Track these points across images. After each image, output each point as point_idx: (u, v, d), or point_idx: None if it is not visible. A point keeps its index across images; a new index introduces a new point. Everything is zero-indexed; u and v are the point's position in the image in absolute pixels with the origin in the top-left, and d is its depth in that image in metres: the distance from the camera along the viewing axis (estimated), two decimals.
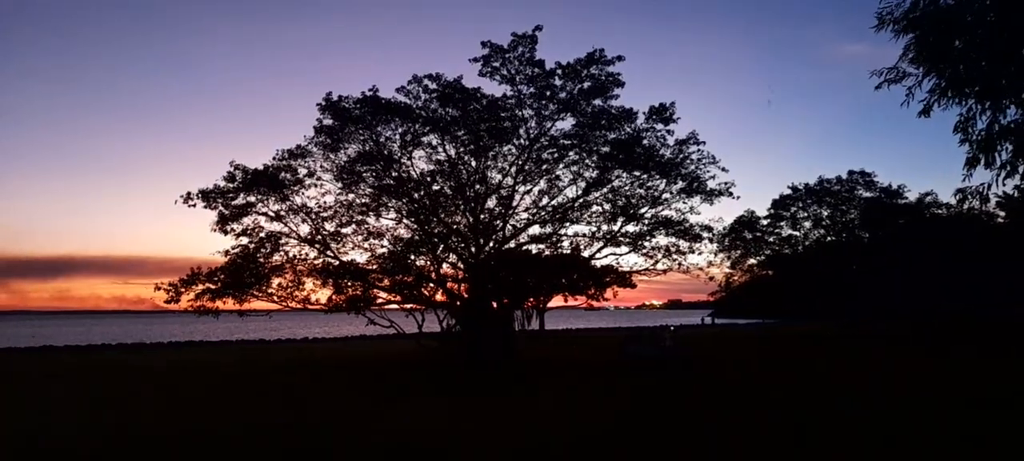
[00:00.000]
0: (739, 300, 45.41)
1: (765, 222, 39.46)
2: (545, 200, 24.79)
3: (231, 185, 22.68)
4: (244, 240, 23.32)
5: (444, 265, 25.23)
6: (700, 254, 27.04)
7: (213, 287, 22.79)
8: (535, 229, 25.12)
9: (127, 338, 44.55)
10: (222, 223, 23.07)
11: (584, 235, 25.52)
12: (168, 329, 54.87)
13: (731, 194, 25.27)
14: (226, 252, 23.15)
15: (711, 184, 24.94)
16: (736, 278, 41.44)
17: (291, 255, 23.97)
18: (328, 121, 22.51)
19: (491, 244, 24.86)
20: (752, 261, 40.43)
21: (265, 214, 23.45)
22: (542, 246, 25.29)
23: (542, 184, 24.57)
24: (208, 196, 22.59)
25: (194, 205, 22.94)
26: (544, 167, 24.20)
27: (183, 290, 22.82)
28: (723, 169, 24.99)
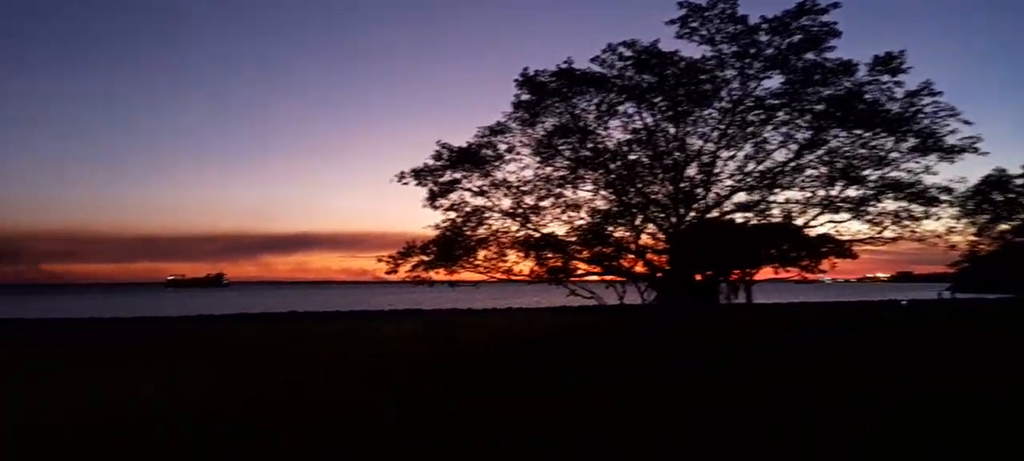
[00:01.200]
0: (986, 272, 39.45)
1: (1021, 182, 33.72)
2: (751, 165, 23.26)
3: (438, 163, 24.06)
4: (452, 214, 24.63)
5: (643, 236, 24.80)
6: (937, 220, 23.67)
7: (426, 259, 24.48)
8: (740, 196, 23.70)
9: (357, 306, 49.48)
10: (432, 199, 24.60)
11: (796, 202, 23.59)
12: (386, 298, 60.14)
13: (976, 150, 21.94)
14: (436, 226, 24.59)
15: (950, 140, 21.81)
16: (983, 246, 36.00)
17: (494, 228, 24.93)
18: (525, 96, 22.97)
19: (692, 214, 23.94)
20: (1004, 227, 34.86)
21: (470, 189, 24.58)
22: (749, 214, 23.83)
23: (748, 148, 23.07)
24: (419, 174, 24.19)
25: (407, 183, 24.72)
26: (749, 130, 22.69)
27: (401, 262, 24.80)
28: (966, 122, 21.64)
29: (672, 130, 22.95)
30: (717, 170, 23.38)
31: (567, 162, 24.00)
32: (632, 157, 23.71)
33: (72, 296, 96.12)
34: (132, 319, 35.46)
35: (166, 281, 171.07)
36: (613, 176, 23.91)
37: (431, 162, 24.13)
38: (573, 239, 24.68)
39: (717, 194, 23.86)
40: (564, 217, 24.77)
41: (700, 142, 23.12)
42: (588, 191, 24.57)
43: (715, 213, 24.18)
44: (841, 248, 24.03)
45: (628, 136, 23.37)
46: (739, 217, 24.23)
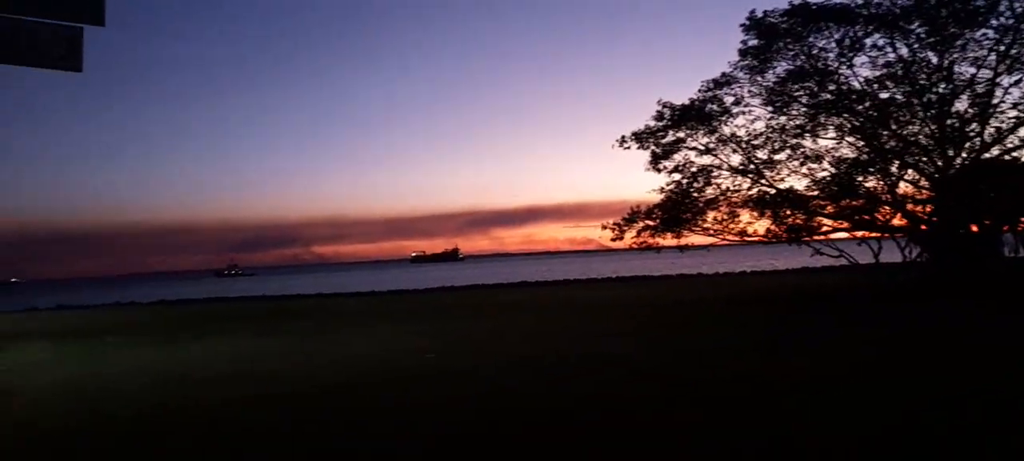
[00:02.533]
0: None
1: None
2: None
3: (660, 123, 23.21)
4: (677, 176, 23.68)
5: (901, 184, 21.84)
6: None
7: (652, 224, 23.86)
8: None
9: (584, 274, 50.21)
10: (654, 162, 23.82)
11: None
12: (610, 266, 60.21)
13: None
14: (661, 190, 23.82)
15: None
16: None
17: (724, 187, 23.56)
18: (753, 41, 21.22)
19: (963, 155, 20.54)
20: None
21: (695, 148, 23.42)
22: None
23: None
24: (640, 137, 23.55)
25: (628, 147, 24.22)
26: None
27: (626, 228, 24.45)
28: None
29: (934, 59, 19.75)
30: (995, 101, 19.71)
31: (804, 109, 21.79)
32: (884, 96, 20.86)
33: (341, 273, 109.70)
34: (396, 291, 39.35)
35: (410, 257, 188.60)
36: (861, 120, 21.26)
37: (652, 123, 23.38)
38: (815, 193, 22.47)
39: (996, 129, 20.17)
40: (803, 170, 22.61)
41: (972, 70, 19.63)
42: (831, 139, 22.16)
43: (995, 152, 20.53)
44: None
45: (879, 72, 20.60)
46: None
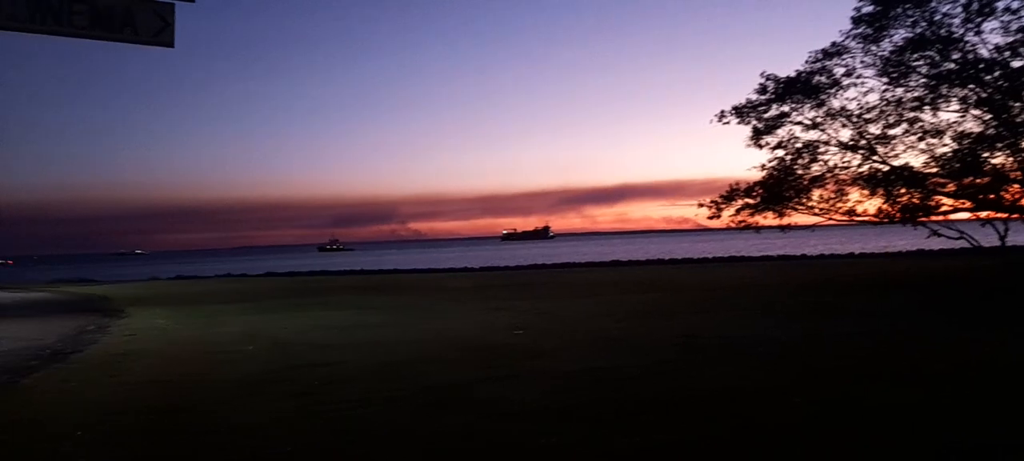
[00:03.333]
0: None
1: None
2: None
3: (763, 97, 22.22)
4: (780, 153, 22.65)
5: None
6: None
7: (751, 202, 22.97)
8: None
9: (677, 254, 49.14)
10: (756, 137, 22.86)
11: None
12: (706, 246, 58.52)
13: None
14: (762, 166, 22.86)
15: None
16: None
17: (831, 164, 22.34)
18: (867, 8, 19.84)
19: None
20: None
21: (800, 123, 22.30)
22: None
23: None
24: (741, 111, 22.63)
25: (727, 123, 23.34)
26: None
27: (724, 207, 23.63)
28: None
29: None
30: None
31: (924, 80, 20.25)
32: (1017, 64, 19.06)
33: (434, 250, 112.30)
34: (487, 268, 39.88)
35: (502, 235, 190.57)
36: (989, 91, 19.56)
37: (755, 97, 22.39)
38: (934, 170, 20.94)
39: None
40: (921, 145, 21.10)
41: None
42: (953, 112, 20.51)
43: None
44: None
45: (1011, 38, 18.78)
46: None
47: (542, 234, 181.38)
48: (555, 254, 61.73)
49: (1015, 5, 18.28)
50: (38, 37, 4.15)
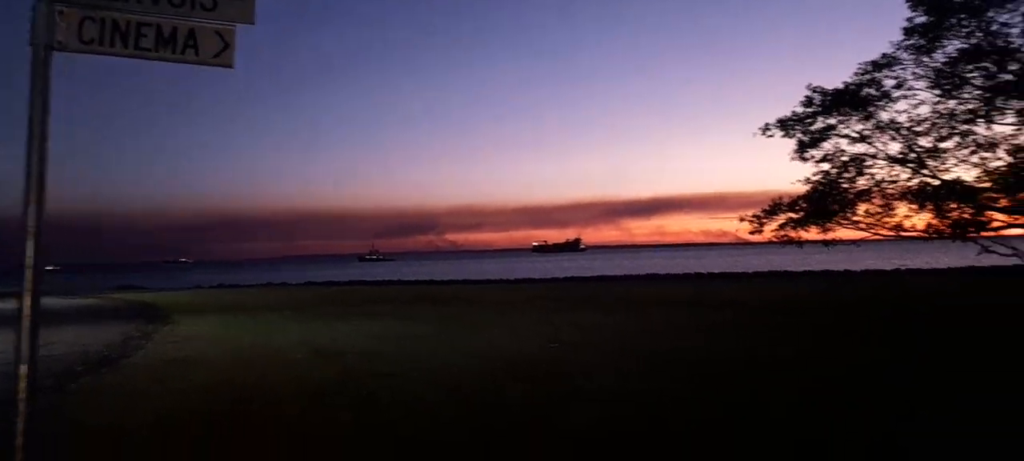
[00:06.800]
0: None
1: None
2: None
3: (809, 110, 21.79)
4: (825, 166, 22.17)
5: None
6: None
7: (795, 216, 22.52)
8: None
9: (715, 267, 48.45)
10: (801, 151, 22.42)
11: None
12: (748, 261, 57.56)
13: None
14: (807, 180, 22.40)
15: None
16: None
17: (878, 178, 21.79)
18: (920, 18, 19.34)
19: None
20: None
21: (847, 136, 21.81)
22: None
23: None
24: (786, 124, 22.22)
25: (771, 136, 22.93)
26: None
27: (766, 221, 23.21)
28: None
29: None
30: None
31: (979, 92, 19.63)
32: None
33: (469, 261, 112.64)
34: (519, 279, 39.81)
35: (532, 247, 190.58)
36: None
37: (800, 109, 21.93)
38: (987, 185, 20.28)
39: None
40: (974, 159, 20.42)
41: None
42: (1009, 124, 19.79)
43: None
44: None
45: None
46: None
47: (573, 246, 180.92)
48: (587, 267, 61.31)
49: None
50: (102, 59, 4.35)
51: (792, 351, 10.34)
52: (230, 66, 5.05)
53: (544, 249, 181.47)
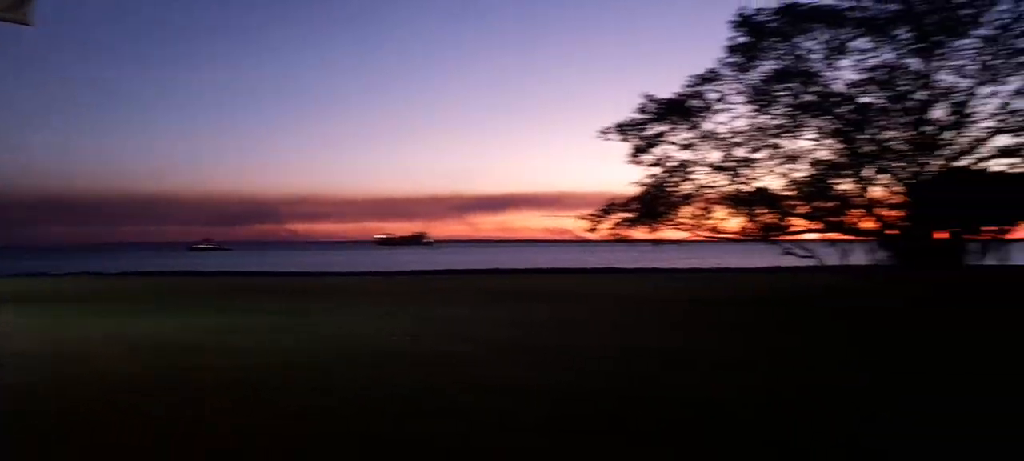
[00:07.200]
0: None
1: None
2: (1020, 103, 19.62)
3: (643, 116, 23.21)
4: (655, 170, 23.73)
5: (873, 188, 22.16)
6: None
7: (628, 216, 23.92)
8: (1003, 139, 20.18)
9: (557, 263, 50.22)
10: (635, 155, 23.84)
11: None
12: (579, 257, 60.31)
13: None
14: (639, 183, 23.85)
15: None
16: None
17: (700, 183, 23.67)
18: (741, 38, 21.26)
19: (936, 162, 20.91)
20: None
21: (675, 143, 23.47)
22: (1014, 160, 20.24)
23: (1017, 82, 19.43)
24: (623, 129, 23.53)
25: (611, 139, 24.16)
26: (1019, 61, 19.07)
27: (602, 220, 24.45)
28: None
29: (917, 66, 19.99)
30: (972, 110, 20.06)
31: (786, 109, 21.94)
32: (864, 100, 21.09)
33: (309, 253, 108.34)
34: (362, 273, 38.79)
35: (376, 239, 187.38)
36: (840, 123, 21.49)
37: (636, 116, 23.37)
38: (791, 193, 22.72)
39: (972, 138, 20.54)
40: (780, 170, 22.81)
41: (952, 78, 19.93)
42: (810, 140, 22.35)
43: (967, 160, 20.90)
44: None
45: (861, 76, 20.79)
46: (998, 164, 20.73)
47: (418, 240, 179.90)
48: (434, 261, 61.24)
49: (866, 47, 20.19)
50: None
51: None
52: (28, 23, 4.39)
53: (389, 242, 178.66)
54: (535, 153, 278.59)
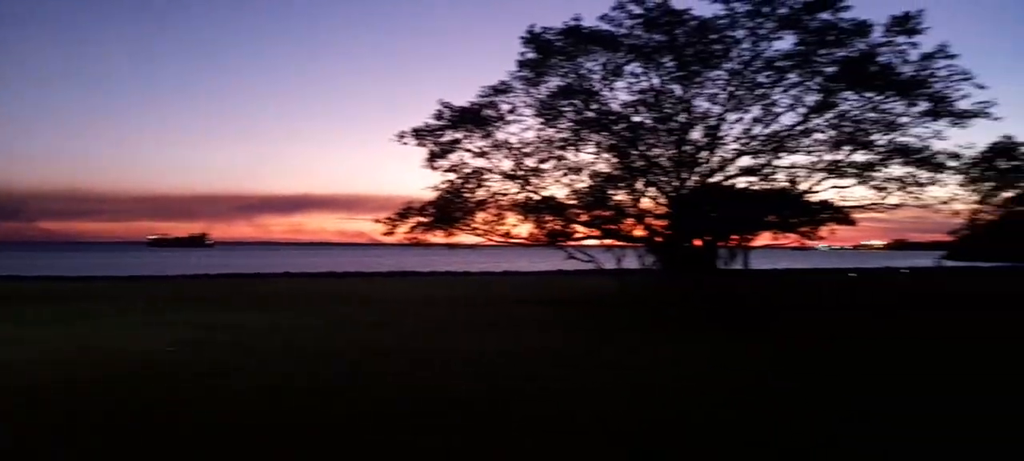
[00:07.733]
0: (984, 241, 39.41)
1: None
2: (758, 129, 22.79)
3: (439, 123, 23.49)
4: (451, 176, 24.14)
5: (644, 200, 24.44)
6: (942, 186, 23.42)
7: (424, 221, 24.07)
8: (745, 160, 23.32)
9: (353, 267, 49.07)
10: (431, 160, 24.06)
11: (802, 166, 23.23)
12: (380, 261, 59.68)
13: (988, 115, 21.52)
14: (436, 187, 24.12)
15: (962, 104, 21.36)
16: (984, 214, 35.91)
17: (493, 190, 24.47)
18: (530, 55, 22.32)
19: (694, 178, 23.59)
20: (1007, 195, 34.70)
21: (470, 150, 24.04)
22: (753, 179, 23.48)
23: (756, 111, 22.56)
24: (420, 134, 23.63)
25: (407, 143, 24.14)
26: (758, 92, 22.17)
27: (399, 223, 24.36)
28: (979, 86, 21.17)
29: (679, 92, 22.42)
30: (722, 133, 22.96)
31: (570, 124, 23.45)
32: (636, 119, 23.21)
33: (57, 254, 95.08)
34: (137, 276, 34.87)
35: (148, 240, 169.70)
36: (616, 139, 23.43)
37: (432, 122, 23.58)
38: (573, 202, 24.30)
39: (722, 157, 23.47)
40: (565, 180, 24.31)
41: (707, 104, 22.64)
42: (590, 154, 24.09)
43: (718, 177, 23.84)
44: (841, 214, 23.71)
45: (633, 98, 22.85)
46: (742, 182, 23.90)
47: (198, 242, 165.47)
48: (219, 264, 56.81)
49: (637, 71, 22.24)
50: None
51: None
52: None
53: (163, 243, 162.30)
54: (330, 154, 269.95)
